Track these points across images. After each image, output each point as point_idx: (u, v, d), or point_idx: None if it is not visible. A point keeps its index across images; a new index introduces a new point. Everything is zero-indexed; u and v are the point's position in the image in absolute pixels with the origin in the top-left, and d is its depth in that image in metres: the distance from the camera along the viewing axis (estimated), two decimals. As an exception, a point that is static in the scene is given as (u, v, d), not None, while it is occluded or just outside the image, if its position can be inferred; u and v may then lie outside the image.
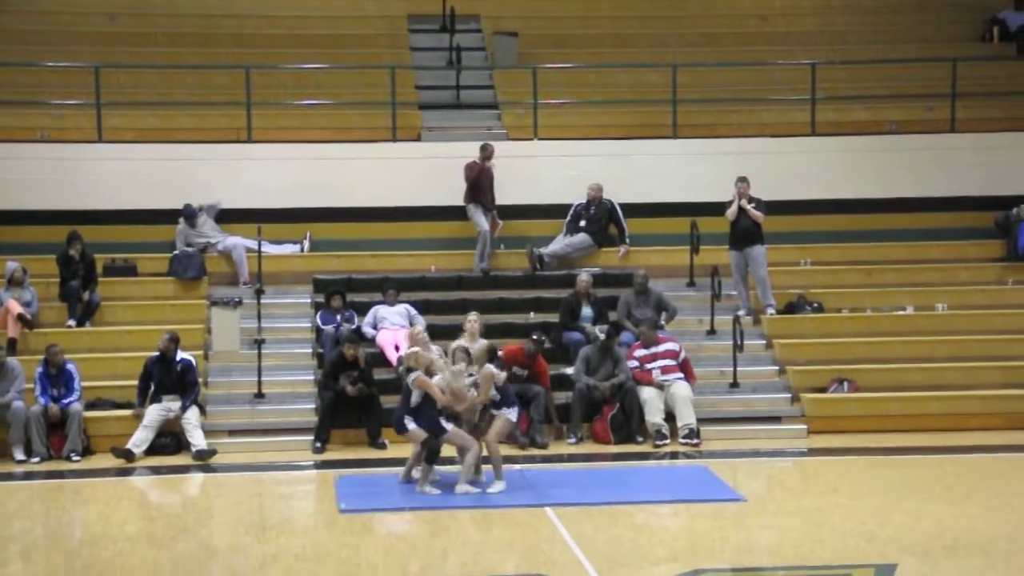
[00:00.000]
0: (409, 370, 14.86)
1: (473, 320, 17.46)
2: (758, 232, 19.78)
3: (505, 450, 15.86)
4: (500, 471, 14.94)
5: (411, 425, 14.75)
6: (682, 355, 18.25)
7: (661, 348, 18.25)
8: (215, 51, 23.38)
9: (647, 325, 18.39)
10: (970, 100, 22.57)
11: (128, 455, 16.90)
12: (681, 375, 18.06)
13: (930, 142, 22.03)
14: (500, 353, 16.17)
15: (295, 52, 23.54)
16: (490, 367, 15.05)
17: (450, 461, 15.38)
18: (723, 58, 23.70)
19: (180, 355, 17.55)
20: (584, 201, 20.95)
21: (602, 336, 18.22)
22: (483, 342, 16.29)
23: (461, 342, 15.85)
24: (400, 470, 15.44)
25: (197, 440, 17.10)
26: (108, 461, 16.99)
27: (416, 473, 15.04)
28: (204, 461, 16.89)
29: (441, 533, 13.40)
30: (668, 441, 17.60)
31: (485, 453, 14.99)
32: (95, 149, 20.96)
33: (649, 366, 18.09)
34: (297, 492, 16.23)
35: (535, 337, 17.76)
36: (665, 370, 18.07)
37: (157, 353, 17.47)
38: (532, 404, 17.56)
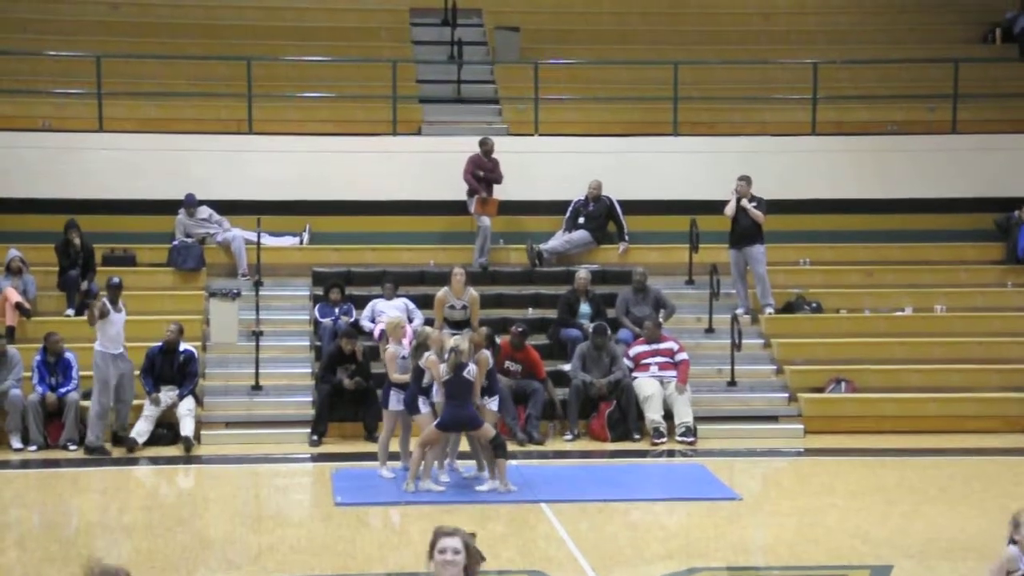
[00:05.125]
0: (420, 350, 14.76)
1: (459, 275, 17.00)
2: (758, 231, 19.74)
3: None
4: (493, 470, 14.81)
5: (424, 408, 14.71)
6: (680, 356, 18.22)
7: (663, 346, 18.26)
8: (216, 42, 23.34)
9: (651, 322, 18.40)
10: (971, 101, 22.54)
11: (132, 444, 16.91)
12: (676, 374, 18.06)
13: (931, 143, 21.98)
14: (499, 341, 16.07)
15: (296, 44, 23.53)
16: (485, 352, 14.96)
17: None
18: (725, 56, 23.66)
19: (183, 346, 17.58)
20: (583, 198, 20.94)
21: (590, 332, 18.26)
22: (484, 330, 16.06)
23: (457, 340, 15.07)
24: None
25: (187, 429, 17.10)
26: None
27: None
28: (187, 451, 16.87)
29: (437, 528, 13.37)
30: (665, 439, 17.60)
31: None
32: (96, 139, 20.92)
33: (646, 362, 18.10)
34: (293, 485, 16.25)
35: (515, 329, 17.78)
36: (662, 367, 18.08)
37: (161, 343, 17.48)
38: (530, 400, 17.57)
